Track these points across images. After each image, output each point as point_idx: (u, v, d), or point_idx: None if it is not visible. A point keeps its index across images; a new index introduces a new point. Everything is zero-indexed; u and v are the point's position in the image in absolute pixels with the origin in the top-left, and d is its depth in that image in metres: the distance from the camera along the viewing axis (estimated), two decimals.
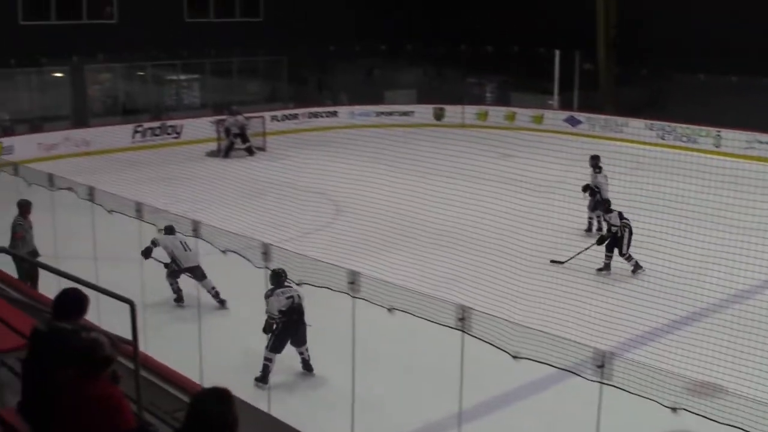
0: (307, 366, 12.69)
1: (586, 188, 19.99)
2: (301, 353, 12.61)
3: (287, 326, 12.21)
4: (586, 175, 20.22)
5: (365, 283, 8.95)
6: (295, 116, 33.63)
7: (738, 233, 15.57)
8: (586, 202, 20.03)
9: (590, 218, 20.41)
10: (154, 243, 14.76)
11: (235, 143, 29.64)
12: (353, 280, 9.02)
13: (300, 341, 12.51)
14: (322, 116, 34.85)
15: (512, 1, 38.62)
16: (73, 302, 6.25)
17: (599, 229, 19.42)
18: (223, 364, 11.78)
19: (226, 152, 29.45)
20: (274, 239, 15.82)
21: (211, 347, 10.97)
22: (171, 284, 15.07)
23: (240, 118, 29.88)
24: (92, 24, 32.06)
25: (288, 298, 12.10)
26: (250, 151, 29.62)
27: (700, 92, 34.21)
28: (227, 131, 29.68)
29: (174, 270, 14.91)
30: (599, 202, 19.19)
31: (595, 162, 20.76)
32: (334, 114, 35.21)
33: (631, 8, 36.02)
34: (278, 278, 11.97)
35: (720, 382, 10.80)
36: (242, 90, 36.89)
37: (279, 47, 35.99)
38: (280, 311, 12.04)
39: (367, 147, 26.52)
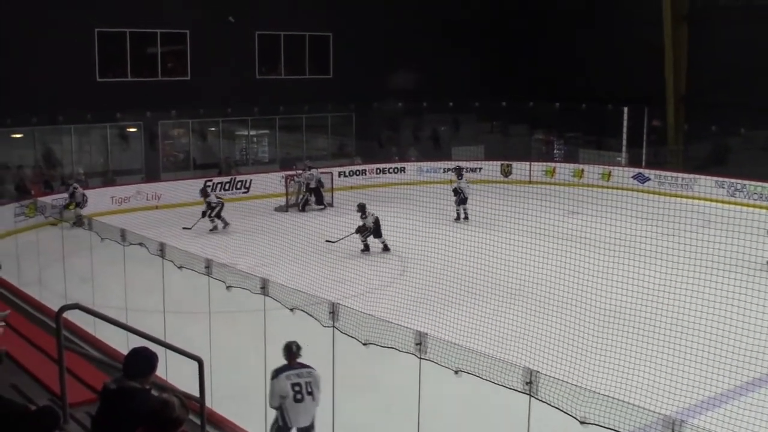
0: None
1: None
2: None
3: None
4: (655, 233, 19.98)
5: (432, 344, 8.95)
6: (362, 172, 33.89)
7: None
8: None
9: (458, 210, 28.19)
10: None
11: (310, 198, 29.99)
12: (420, 341, 9.02)
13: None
14: (389, 172, 35.06)
15: (580, 58, 38.73)
16: (142, 361, 6.35)
17: (465, 218, 27.92)
18: None
19: (302, 206, 29.82)
20: (341, 295, 15.94)
21: None
22: None
23: (314, 172, 30.27)
24: (166, 81, 32.83)
25: (294, 385, 10.43)
26: (321, 205, 29.95)
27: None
28: (305, 186, 30.10)
29: None
30: (462, 200, 28.18)
31: (458, 171, 29.15)
32: (402, 170, 35.42)
33: (701, 64, 35.92)
34: (289, 354, 10.75)
35: None
36: (311, 145, 37.33)
37: (348, 104, 36.48)
38: (281, 397, 10.45)
39: (435, 203, 26.60)
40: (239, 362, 13.75)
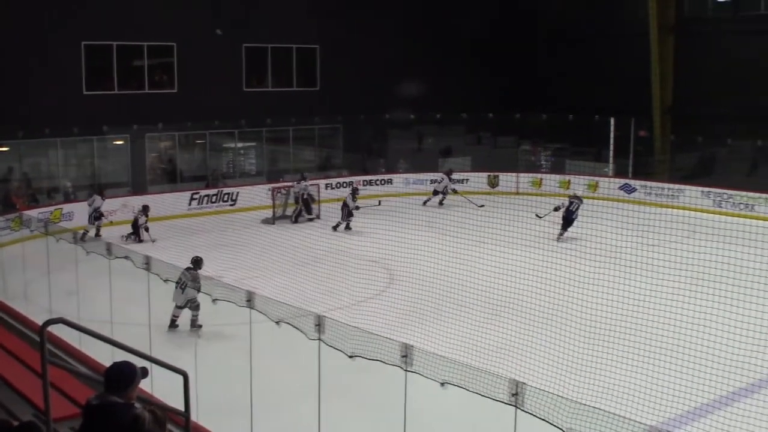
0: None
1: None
2: None
3: None
4: (641, 243, 20.01)
5: (418, 356, 8.94)
6: (349, 184, 33.88)
7: None
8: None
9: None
10: None
11: (303, 209, 30.01)
12: (406, 354, 9.01)
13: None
14: (376, 184, 35.06)
15: (567, 69, 38.93)
16: (122, 376, 6.29)
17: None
18: None
19: (295, 218, 29.90)
20: (328, 307, 15.94)
21: (262, 417, 10.97)
22: None
23: (305, 184, 30.33)
24: (153, 93, 32.77)
25: (178, 280, 15.58)
26: (296, 218, 29.96)
27: (755, 158, 34.12)
28: (297, 197, 30.11)
29: None
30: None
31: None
32: (389, 182, 35.44)
33: (687, 75, 36.13)
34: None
35: None
36: (298, 158, 37.30)
37: (335, 116, 36.50)
38: None
39: (422, 214, 26.60)
40: (225, 376, 13.71)
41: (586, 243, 19.97)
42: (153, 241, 25.95)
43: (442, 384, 8.66)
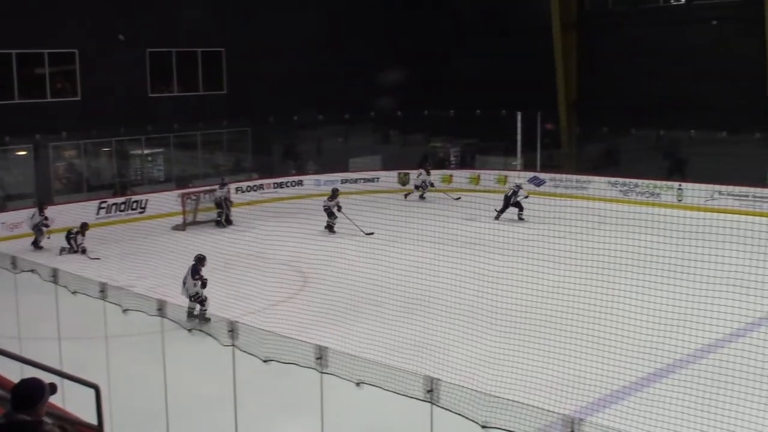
0: None
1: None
2: None
3: None
4: (550, 235, 20.33)
5: (333, 357, 8.92)
6: (260, 187, 33.67)
7: (704, 286, 15.64)
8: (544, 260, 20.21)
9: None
10: None
11: (227, 214, 29.68)
12: (321, 355, 8.98)
13: None
14: (287, 186, 34.90)
15: (474, 65, 39.27)
16: (30, 393, 6.14)
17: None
18: None
19: (225, 222, 29.70)
20: (241, 312, 15.81)
21: (178, 427, 10.83)
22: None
23: (227, 188, 30.15)
24: (56, 102, 32.11)
25: None
26: (220, 224, 29.61)
27: (659, 147, 34.99)
28: (218, 202, 29.77)
29: None
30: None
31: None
32: (300, 183, 35.29)
33: (590, 67, 36.80)
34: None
35: None
36: (207, 162, 36.95)
37: (243, 119, 36.22)
38: None
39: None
40: (139, 387, 13.49)
41: (496, 237, 20.15)
42: (96, 258, 25.23)
43: (358, 384, 8.67)
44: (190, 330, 10.81)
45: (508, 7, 39.31)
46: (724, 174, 31.21)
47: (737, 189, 30.29)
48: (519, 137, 35.76)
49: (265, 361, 9.74)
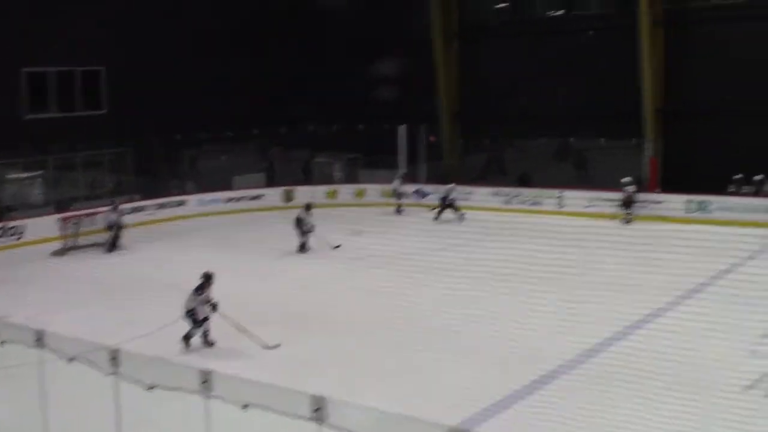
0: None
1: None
2: None
3: None
4: (433, 249, 20.51)
5: (218, 380, 8.80)
6: (142, 208, 33.02)
7: (586, 289, 16.00)
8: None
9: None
10: None
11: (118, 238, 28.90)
12: (206, 379, 8.85)
13: None
14: (170, 206, 34.31)
15: (356, 80, 39.40)
16: None
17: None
18: None
19: (110, 247, 28.41)
20: (127, 337, 15.47)
21: None
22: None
23: (119, 211, 29.47)
24: None
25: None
26: (111, 247, 28.88)
27: (540, 156, 35.73)
28: (111, 226, 28.95)
29: None
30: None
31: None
32: (183, 203, 34.72)
33: (471, 79, 37.31)
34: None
35: None
36: (87, 185, 36.09)
37: (124, 139, 35.52)
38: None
39: (218, 234, 26.28)
40: (17, 422, 13.06)
41: (382, 250, 20.24)
42: None
43: (244, 407, 8.57)
44: (70, 360, 10.46)
45: (391, 21, 39.50)
46: (602, 180, 32.16)
47: (615, 195, 31.09)
48: (403, 150, 36.03)
49: (149, 388, 9.55)
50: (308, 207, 26.18)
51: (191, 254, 21.36)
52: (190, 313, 16.77)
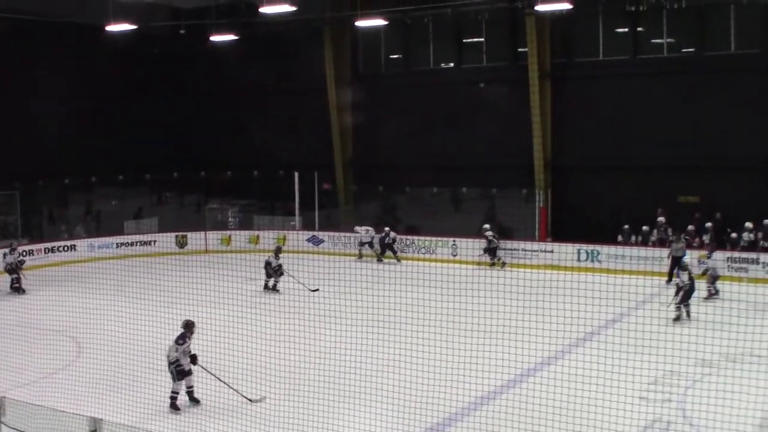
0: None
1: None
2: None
3: None
4: (336, 292, 20.45)
5: (108, 429, 8.64)
6: (29, 252, 32.17)
7: (477, 336, 16.15)
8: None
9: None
10: None
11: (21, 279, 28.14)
12: (95, 428, 8.68)
13: None
14: (59, 251, 33.54)
15: (251, 126, 39.46)
16: None
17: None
18: None
19: (19, 288, 28.25)
20: (11, 384, 15.02)
21: None
22: None
23: (18, 252, 28.99)
24: None
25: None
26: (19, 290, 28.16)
27: (433, 204, 36.20)
28: (11, 268, 28.18)
29: None
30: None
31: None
32: (73, 248, 33.95)
33: (365, 127, 37.66)
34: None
35: None
36: None
37: (11, 182, 34.65)
38: None
39: (109, 280, 25.71)
40: None
41: (277, 297, 20.12)
42: None
43: None
44: None
45: (284, 69, 39.64)
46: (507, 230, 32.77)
47: (510, 243, 31.66)
48: (297, 197, 36.07)
49: None
50: (278, 251, 27.98)
51: (77, 300, 20.81)
52: (175, 365, 16.07)
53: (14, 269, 28.29)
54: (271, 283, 27.33)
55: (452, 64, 37.63)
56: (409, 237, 34.04)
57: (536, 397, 13.61)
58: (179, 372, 16.04)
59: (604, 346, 15.18)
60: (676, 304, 22.15)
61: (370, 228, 33.88)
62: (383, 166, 36.66)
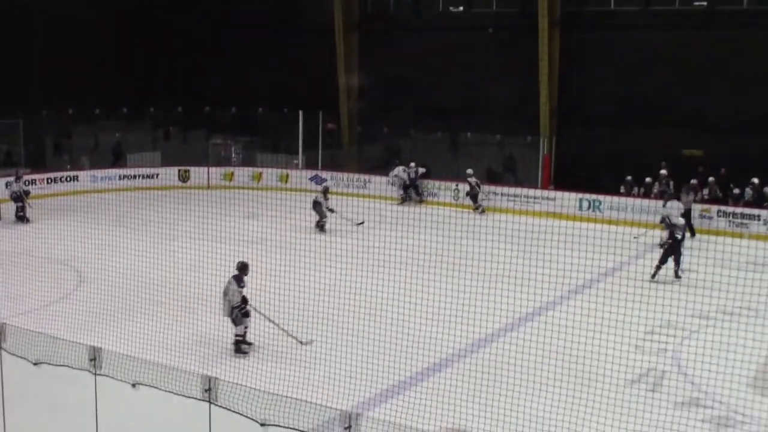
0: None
1: None
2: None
3: None
4: (330, 235, 20.53)
5: (107, 358, 8.69)
6: (32, 182, 32.18)
7: (478, 281, 16.20)
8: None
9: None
10: None
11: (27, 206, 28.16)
12: (95, 357, 8.73)
13: None
14: (62, 181, 33.54)
15: (257, 64, 39.23)
16: None
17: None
18: None
19: (24, 217, 28.15)
20: (11, 312, 15.11)
21: None
22: None
23: (23, 180, 28.94)
24: None
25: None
26: (23, 219, 28.17)
27: (437, 148, 36.04)
28: (16, 196, 28.19)
29: None
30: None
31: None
32: (75, 179, 33.94)
33: (372, 69, 37.40)
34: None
35: (469, 427, 11.18)
36: None
37: (14, 111, 34.54)
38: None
39: (110, 212, 25.79)
40: None
41: (278, 235, 20.16)
42: None
43: (134, 385, 8.49)
44: None
45: (292, 7, 39.29)
46: (498, 175, 32.77)
47: (510, 190, 31.64)
48: (301, 136, 35.95)
49: (35, 364, 9.38)
50: (325, 191, 27.96)
51: (80, 231, 20.86)
52: (239, 308, 15.68)
53: (19, 197, 28.31)
54: (321, 222, 27.16)
55: (461, 8, 37.28)
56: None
57: (533, 341, 13.69)
58: (244, 314, 15.69)
59: (602, 294, 15.20)
60: (657, 265, 21.32)
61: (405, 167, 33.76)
62: (388, 107, 36.47)
